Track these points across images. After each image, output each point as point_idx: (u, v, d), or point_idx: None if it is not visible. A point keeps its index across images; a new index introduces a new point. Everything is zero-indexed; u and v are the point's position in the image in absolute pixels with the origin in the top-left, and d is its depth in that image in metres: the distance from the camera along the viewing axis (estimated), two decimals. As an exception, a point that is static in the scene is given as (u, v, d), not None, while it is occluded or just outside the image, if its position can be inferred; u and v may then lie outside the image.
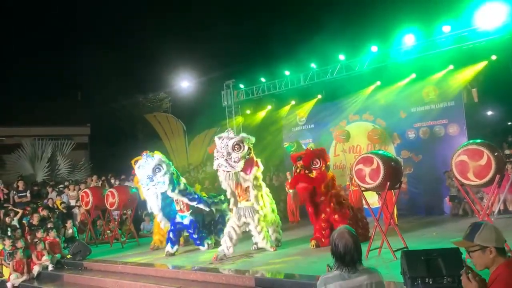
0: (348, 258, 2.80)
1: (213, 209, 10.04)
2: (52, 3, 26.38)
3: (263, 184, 8.78)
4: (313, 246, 8.59)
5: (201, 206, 9.64)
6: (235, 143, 8.06)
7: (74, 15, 27.18)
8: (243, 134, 8.54)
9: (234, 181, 8.33)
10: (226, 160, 8.04)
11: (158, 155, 9.33)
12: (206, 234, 9.86)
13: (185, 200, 9.46)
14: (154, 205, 9.55)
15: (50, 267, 10.03)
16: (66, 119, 22.38)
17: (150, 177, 9.01)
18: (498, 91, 13.94)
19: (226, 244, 8.48)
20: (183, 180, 9.65)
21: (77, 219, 13.33)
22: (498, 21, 10.56)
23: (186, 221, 9.58)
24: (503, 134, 14.74)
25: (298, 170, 8.60)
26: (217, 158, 8.15)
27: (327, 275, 2.88)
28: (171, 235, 9.64)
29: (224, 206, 10.11)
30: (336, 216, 8.48)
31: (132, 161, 9.96)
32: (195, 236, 9.66)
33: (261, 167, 8.64)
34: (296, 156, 8.78)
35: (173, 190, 9.20)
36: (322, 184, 8.59)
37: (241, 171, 8.15)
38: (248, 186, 8.39)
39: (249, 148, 8.24)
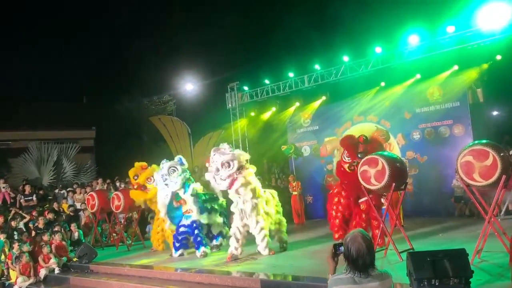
0: (361, 262, 2.77)
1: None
2: (58, 7, 26.54)
3: (261, 193, 8.74)
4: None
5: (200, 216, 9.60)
6: (224, 161, 8.07)
7: (79, 18, 27.35)
8: (237, 151, 8.45)
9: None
10: (214, 176, 8.15)
11: (178, 157, 9.79)
12: (207, 239, 9.70)
13: (195, 207, 9.48)
14: (162, 206, 9.65)
15: (57, 270, 10.08)
16: (71, 123, 22.48)
17: (164, 176, 9.24)
18: (503, 91, 13.87)
19: (233, 245, 8.59)
20: (197, 188, 9.63)
21: (82, 222, 13.38)
22: (503, 21, 10.52)
23: (188, 222, 9.52)
24: (509, 134, 14.65)
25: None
26: (210, 173, 8.31)
27: (338, 276, 2.85)
28: (175, 240, 9.71)
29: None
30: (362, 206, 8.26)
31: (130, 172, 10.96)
32: (195, 238, 9.53)
33: (254, 181, 8.45)
34: (358, 152, 8.12)
35: (185, 192, 9.35)
36: None
37: (228, 189, 8.17)
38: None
39: (240, 166, 8.17)
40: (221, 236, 10.00)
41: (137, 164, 11.42)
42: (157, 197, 10.01)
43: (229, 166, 8.08)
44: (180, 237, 9.62)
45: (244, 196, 8.31)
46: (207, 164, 8.58)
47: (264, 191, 9.29)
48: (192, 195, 9.38)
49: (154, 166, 10.95)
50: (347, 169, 8.14)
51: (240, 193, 8.28)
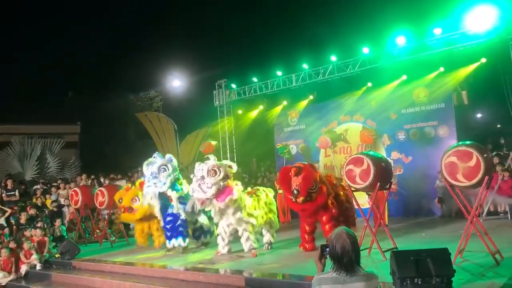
0: (346, 260, 2.73)
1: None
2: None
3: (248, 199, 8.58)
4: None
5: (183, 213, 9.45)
6: (211, 167, 7.99)
7: (64, 12, 26.98)
8: (225, 161, 8.44)
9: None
10: (200, 184, 8.03)
11: (169, 155, 9.53)
12: (187, 233, 9.48)
13: (180, 206, 9.33)
14: (151, 206, 9.55)
15: (38, 266, 9.92)
16: (56, 118, 22.18)
17: (154, 174, 9.07)
18: (487, 93, 14.09)
19: (220, 244, 8.65)
20: (184, 189, 9.45)
21: (66, 218, 13.22)
22: (488, 24, 10.68)
23: (174, 210, 9.35)
24: (492, 136, 14.89)
25: (300, 201, 7.89)
26: (193, 182, 8.18)
27: (323, 275, 2.82)
28: (166, 231, 9.52)
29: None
30: (324, 218, 8.31)
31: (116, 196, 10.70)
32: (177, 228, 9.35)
33: (235, 195, 8.21)
34: (292, 189, 7.88)
35: (172, 190, 9.17)
36: (326, 200, 8.08)
37: (213, 198, 8.01)
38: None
39: (226, 175, 8.09)
40: (209, 234, 9.91)
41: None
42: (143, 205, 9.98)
43: (215, 173, 7.98)
44: (169, 226, 9.45)
45: (230, 209, 8.22)
46: (193, 177, 8.28)
47: (258, 189, 9.27)
48: (179, 197, 9.25)
49: (137, 188, 10.64)
50: (296, 201, 7.95)
51: (230, 206, 8.18)
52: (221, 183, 8.02)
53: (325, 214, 8.24)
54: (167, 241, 9.52)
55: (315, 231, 8.54)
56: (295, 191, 7.83)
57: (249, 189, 9.41)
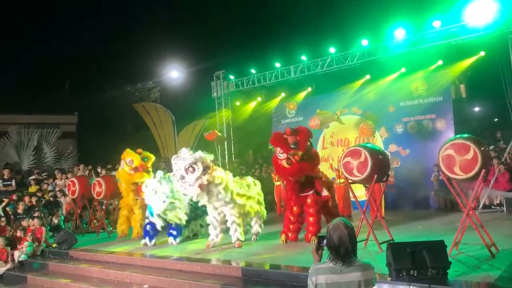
0: (343, 250, 2.77)
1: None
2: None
3: (234, 187, 8.52)
4: (283, 241, 8.57)
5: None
6: (188, 165, 7.85)
7: (62, 3, 26.70)
8: (199, 153, 8.09)
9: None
10: (181, 185, 7.98)
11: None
12: (183, 227, 9.54)
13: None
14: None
15: (23, 256, 9.90)
16: (53, 108, 22.06)
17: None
18: (485, 87, 14.08)
19: (212, 233, 8.65)
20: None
21: (63, 208, 13.21)
22: (488, 17, 10.66)
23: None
24: (489, 129, 14.91)
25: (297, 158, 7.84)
26: (176, 182, 8.19)
27: (320, 265, 2.84)
28: (148, 227, 9.57)
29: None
30: (308, 200, 8.41)
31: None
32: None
33: (219, 177, 8.17)
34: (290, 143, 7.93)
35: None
36: (310, 169, 8.15)
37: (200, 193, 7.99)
38: None
39: (206, 167, 7.92)
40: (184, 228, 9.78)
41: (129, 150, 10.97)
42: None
43: (194, 170, 7.85)
44: (153, 225, 9.50)
45: (216, 195, 8.20)
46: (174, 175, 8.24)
47: (245, 178, 9.34)
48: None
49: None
50: (286, 164, 7.92)
51: (214, 193, 8.15)
52: (203, 177, 7.88)
53: (310, 196, 8.39)
54: (148, 238, 9.54)
55: (300, 222, 8.62)
56: (292, 146, 7.83)
57: (238, 178, 9.42)
